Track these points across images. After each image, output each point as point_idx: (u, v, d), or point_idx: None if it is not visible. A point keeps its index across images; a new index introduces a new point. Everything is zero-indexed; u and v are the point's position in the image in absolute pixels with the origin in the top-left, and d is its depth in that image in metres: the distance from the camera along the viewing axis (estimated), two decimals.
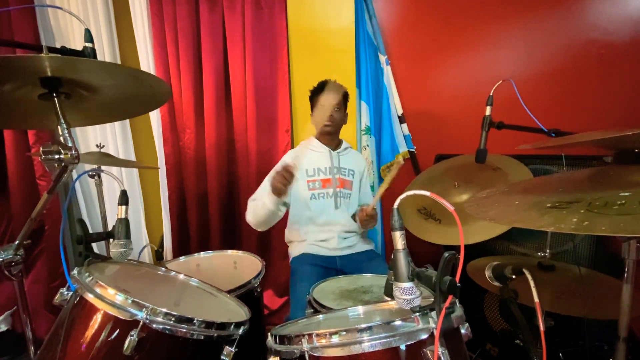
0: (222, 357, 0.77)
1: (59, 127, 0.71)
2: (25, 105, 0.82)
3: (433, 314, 0.61)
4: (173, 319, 0.71)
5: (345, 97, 1.50)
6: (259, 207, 1.31)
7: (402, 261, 0.61)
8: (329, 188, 1.47)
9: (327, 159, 1.50)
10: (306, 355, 0.65)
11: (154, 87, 0.85)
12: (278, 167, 1.33)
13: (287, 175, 1.17)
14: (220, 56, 1.91)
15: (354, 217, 1.48)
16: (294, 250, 1.50)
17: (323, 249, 1.45)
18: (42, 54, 0.64)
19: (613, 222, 0.49)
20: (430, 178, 1.41)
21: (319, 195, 1.46)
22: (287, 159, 1.50)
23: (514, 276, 0.79)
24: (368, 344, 0.61)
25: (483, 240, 1.01)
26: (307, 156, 1.50)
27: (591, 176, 0.69)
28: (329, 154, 1.50)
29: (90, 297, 0.72)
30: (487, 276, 0.84)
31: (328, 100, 1.44)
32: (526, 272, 0.73)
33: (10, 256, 0.79)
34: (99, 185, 1.67)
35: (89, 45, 0.76)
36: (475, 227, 1.05)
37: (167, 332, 0.71)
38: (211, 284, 1.03)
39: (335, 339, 0.63)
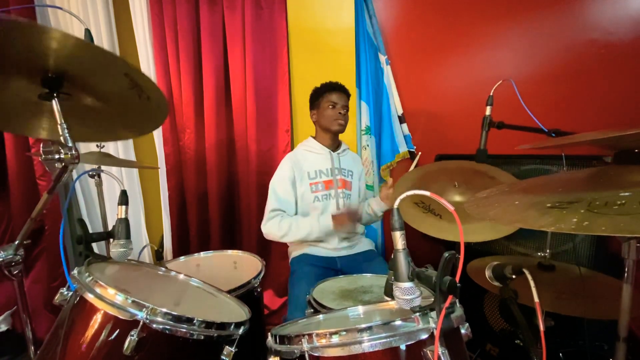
0: (222, 357, 0.77)
1: (58, 127, 0.71)
2: (25, 109, 0.81)
3: (433, 314, 0.61)
4: (173, 319, 0.71)
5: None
6: (304, 234, 1.38)
7: (402, 261, 0.61)
8: (331, 189, 1.47)
9: (328, 160, 1.50)
10: (306, 355, 0.65)
11: (151, 99, 0.81)
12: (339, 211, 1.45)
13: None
14: (220, 56, 1.91)
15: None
16: (294, 251, 1.50)
17: (323, 249, 1.45)
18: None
19: (613, 222, 0.49)
20: (423, 176, 1.38)
21: (322, 197, 1.46)
22: (285, 167, 1.46)
23: (514, 276, 0.79)
24: (368, 344, 0.61)
25: (485, 241, 1.01)
26: (308, 159, 1.49)
27: (591, 176, 0.69)
28: (330, 155, 1.50)
29: (90, 297, 0.72)
30: (487, 276, 0.84)
31: (339, 98, 1.45)
32: (526, 272, 0.73)
33: (10, 256, 0.78)
34: (99, 185, 1.67)
35: None
36: (475, 227, 1.05)
37: (167, 332, 0.71)
38: (211, 284, 1.03)
39: (335, 339, 0.64)
